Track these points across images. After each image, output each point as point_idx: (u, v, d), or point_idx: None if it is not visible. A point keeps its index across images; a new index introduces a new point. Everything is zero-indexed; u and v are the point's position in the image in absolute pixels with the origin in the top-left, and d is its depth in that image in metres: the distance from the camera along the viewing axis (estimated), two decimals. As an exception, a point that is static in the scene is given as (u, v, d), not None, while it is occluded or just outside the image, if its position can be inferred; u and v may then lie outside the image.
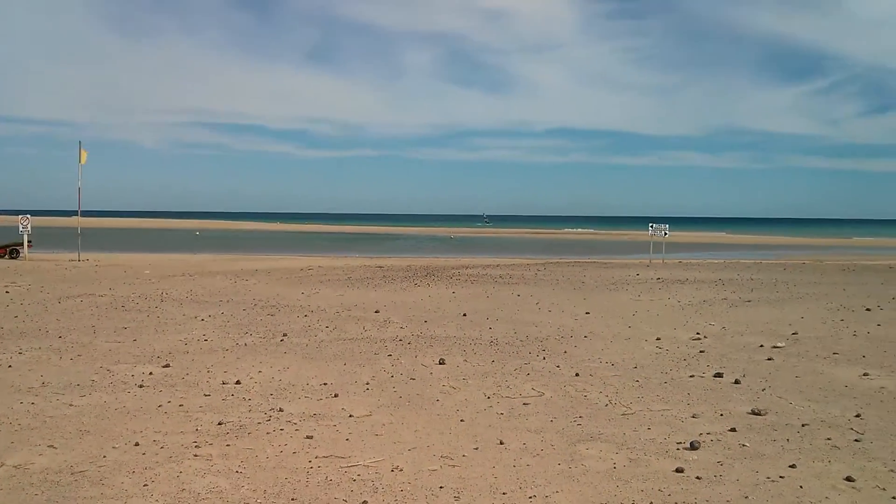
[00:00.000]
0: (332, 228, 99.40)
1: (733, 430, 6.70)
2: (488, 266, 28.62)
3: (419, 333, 12.02)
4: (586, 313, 14.63)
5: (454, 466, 5.75)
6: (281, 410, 7.30)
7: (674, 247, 45.05)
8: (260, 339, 11.33)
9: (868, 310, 15.37)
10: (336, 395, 7.93)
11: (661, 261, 32.13)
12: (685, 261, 34.02)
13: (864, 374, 9.08)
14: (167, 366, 9.34)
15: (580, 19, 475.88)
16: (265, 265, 27.61)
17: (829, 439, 6.43)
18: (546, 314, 14.51)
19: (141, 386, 8.27)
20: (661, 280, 22.39)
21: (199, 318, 13.41)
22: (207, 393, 8.01)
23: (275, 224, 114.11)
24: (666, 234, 34.14)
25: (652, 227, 33.89)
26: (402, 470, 5.66)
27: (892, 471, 5.61)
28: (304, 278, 22.08)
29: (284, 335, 11.67)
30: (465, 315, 14.18)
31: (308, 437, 6.43)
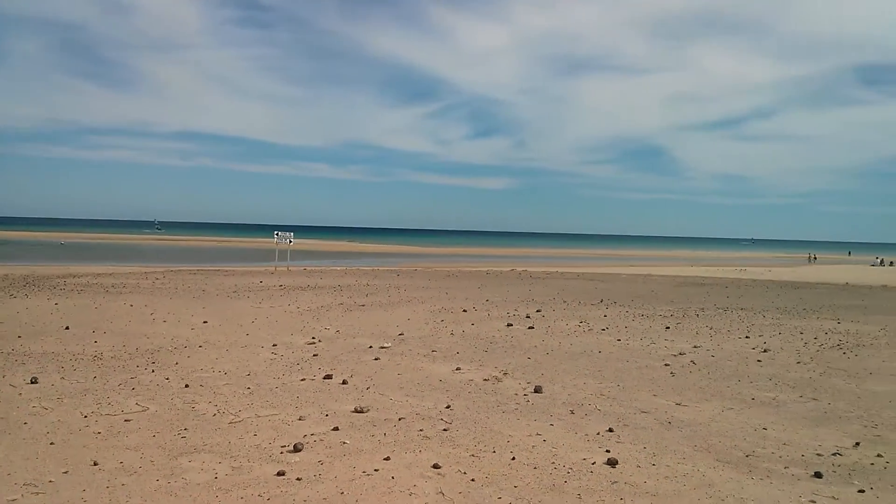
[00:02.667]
0: None
1: (336, 429, 6.93)
2: (101, 275, 26.45)
3: (10, 350, 10.65)
4: (204, 322, 14.19)
5: (38, 494, 5.15)
6: None
7: (299, 254, 45.85)
8: None
9: (465, 311, 17.08)
10: None
11: (286, 268, 32.49)
12: (309, 268, 34.81)
13: (457, 369, 10.03)
14: None
15: (209, 23, 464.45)
16: None
17: (421, 430, 6.94)
18: (160, 325, 13.78)
19: None
20: (283, 287, 22.61)
21: None
22: None
23: None
24: (291, 241, 34.64)
25: (277, 234, 34.14)
26: (-34, 507, 4.92)
27: (472, 455, 6.21)
28: None
29: None
30: (67, 328, 12.89)
31: None
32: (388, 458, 6.06)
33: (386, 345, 11.85)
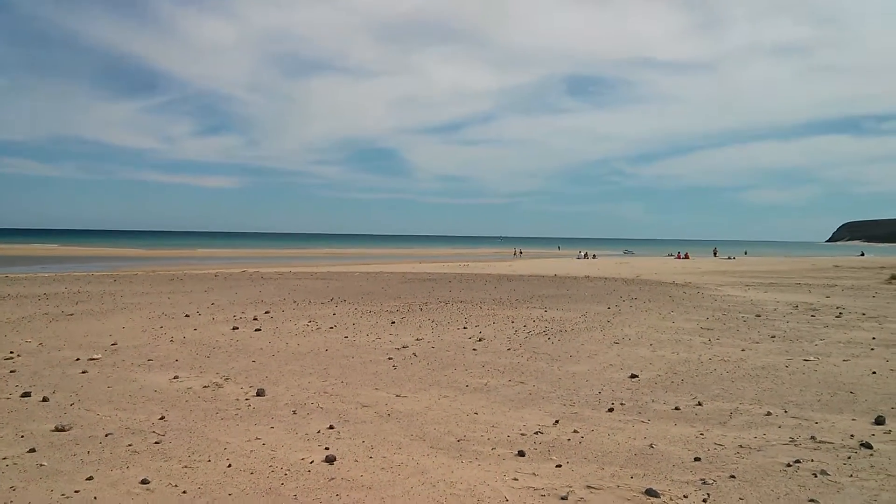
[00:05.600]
0: None
1: (33, 450, 6.28)
2: None
3: None
4: None
5: None
6: None
7: (1, 260, 41.21)
8: None
9: (188, 316, 16.33)
10: None
11: (-20, 277, 28.96)
12: (12, 276, 31.33)
13: (175, 377, 9.55)
14: None
15: None
16: None
17: (130, 445, 6.51)
18: None
19: None
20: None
21: None
22: None
23: None
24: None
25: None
26: None
27: (186, 467, 5.93)
28: None
29: None
30: None
31: None
32: (91, 478, 5.61)
33: (96, 356, 10.98)
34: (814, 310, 18.91)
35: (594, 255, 74.74)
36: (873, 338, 13.59)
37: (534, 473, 5.82)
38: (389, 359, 11.11)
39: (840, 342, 13.07)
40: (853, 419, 7.62)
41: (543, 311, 18.30)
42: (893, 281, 31.34)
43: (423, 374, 9.92)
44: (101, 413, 7.68)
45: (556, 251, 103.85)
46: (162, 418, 7.47)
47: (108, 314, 16.56)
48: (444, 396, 8.59)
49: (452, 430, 7.09)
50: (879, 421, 7.44)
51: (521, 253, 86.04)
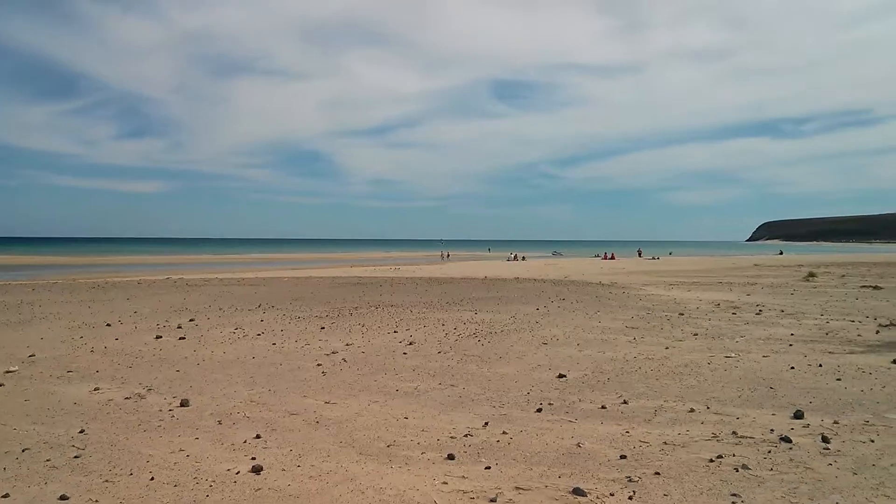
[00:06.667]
0: None
1: (-58, 471, 6.02)
2: None
3: None
4: None
5: None
6: None
7: None
8: None
9: (109, 325, 15.86)
10: None
11: None
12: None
13: (96, 389, 9.26)
14: None
15: None
16: None
17: (48, 460, 6.29)
18: None
19: None
20: None
21: None
22: None
23: None
24: None
25: None
26: None
27: (106, 481, 5.75)
28: None
29: None
30: None
31: None
32: (6, 496, 5.41)
33: (12, 368, 10.56)
34: (735, 308, 19.51)
35: (524, 257, 75.55)
36: (791, 334, 14.09)
37: (463, 476, 5.85)
38: (318, 365, 11.00)
39: (760, 339, 13.51)
40: (773, 414, 7.88)
41: (474, 313, 18.40)
42: (811, 278, 32.60)
43: (352, 380, 9.86)
44: (18, 427, 7.40)
45: (487, 253, 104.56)
46: (82, 431, 7.24)
47: (26, 324, 15.96)
48: (374, 402, 8.55)
49: (382, 436, 7.06)
50: (798, 415, 7.71)
51: (448, 255, 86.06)
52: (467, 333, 14.46)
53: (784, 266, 50.20)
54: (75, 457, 6.41)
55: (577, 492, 5.42)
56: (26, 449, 6.65)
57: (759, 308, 19.25)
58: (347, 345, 12.99)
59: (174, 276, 38.14)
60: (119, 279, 35.91)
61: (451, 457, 6.35)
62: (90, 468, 6.11)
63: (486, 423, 7.51)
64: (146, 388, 9.32)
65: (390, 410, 8.12)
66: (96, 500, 5.35)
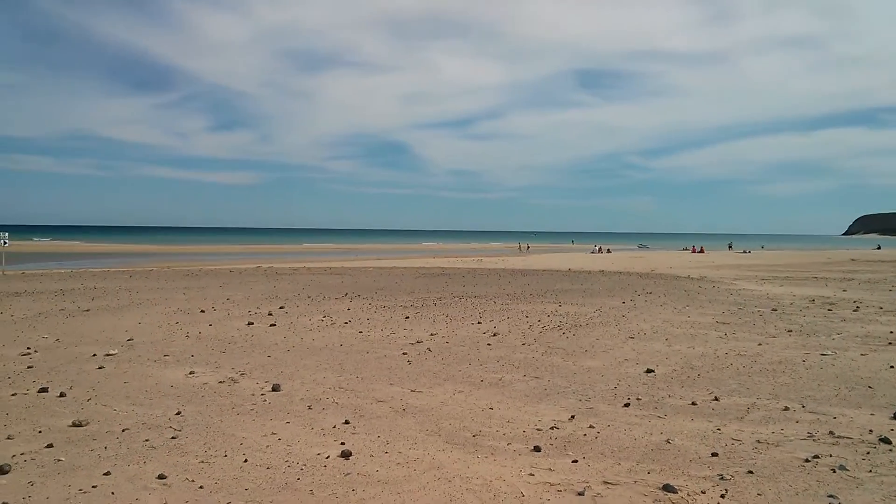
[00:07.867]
0: None
1: (50, 445, 6.33)
2: None
3: None
4: None
5: None
6: None
7: (17, 257, 41.57)
8: None
9: (203, 311, 16.40)
10: None
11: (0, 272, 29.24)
12: (29, 272, 31.57)
13: (191, 373, 9.58)
14: None
15: None
16: None
17: (147, 440, 6.54)
18: None
19: None
20: (-7, 294, 20.29)
21: None
22: None
23: None
24: (6, 243, 31.39)
25: (-13, 235, 30.79)
26: None
27: (202, 462, 5.95)
28: None
29: None
30: None
31: None
32: (108, 473, 5.64)
33: (112, 352, 11.04)
34: (831, 304, 18.77)
35: (608, 250, 74.46)
36: (891, 332, 13.46)
37: (550, 469, 5.80)
38: (404, 354, 11.11)
39: (857, 336, 12.96)
40: (871, 414, 7.55)
41: (558, 305, 18.25)
42: (911, 274, 31.08)
43: (437, 369, 9.91)
44: (118, 408, 7.72)
45: (569, 245, 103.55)
46: (178, 413, 7.50)
47: (124, 310, 16.66)
48: (459, 391, 8.58)
49: (468, 426, 7.07)
50: (899, 416, 7.37)
51: (528, 248, 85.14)
52: (551, 326, 14.35)
53: (882, 261, 48.01)
54: (172, 437, 6.64)
55: (668, 488, 5.30)
56: (126, 429, 6.92)
57: (856, 304, 18.46)
58: (432, 335, 13.07)
59: (263, 265, 39.15)
60: (212, 267, 37.10)
61: (537, 448, 6.30)
62: (186, 449, 6.32)
63: (573, 417, 7.43)
64: (239, 373, 9.60)
65: (475, 400, 8.12)
66: (193, 480, 5.52)
